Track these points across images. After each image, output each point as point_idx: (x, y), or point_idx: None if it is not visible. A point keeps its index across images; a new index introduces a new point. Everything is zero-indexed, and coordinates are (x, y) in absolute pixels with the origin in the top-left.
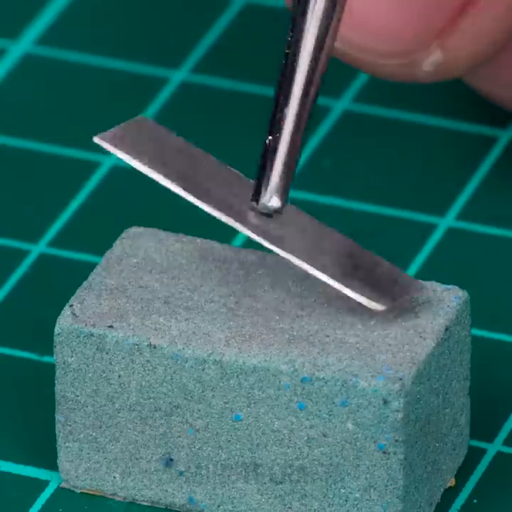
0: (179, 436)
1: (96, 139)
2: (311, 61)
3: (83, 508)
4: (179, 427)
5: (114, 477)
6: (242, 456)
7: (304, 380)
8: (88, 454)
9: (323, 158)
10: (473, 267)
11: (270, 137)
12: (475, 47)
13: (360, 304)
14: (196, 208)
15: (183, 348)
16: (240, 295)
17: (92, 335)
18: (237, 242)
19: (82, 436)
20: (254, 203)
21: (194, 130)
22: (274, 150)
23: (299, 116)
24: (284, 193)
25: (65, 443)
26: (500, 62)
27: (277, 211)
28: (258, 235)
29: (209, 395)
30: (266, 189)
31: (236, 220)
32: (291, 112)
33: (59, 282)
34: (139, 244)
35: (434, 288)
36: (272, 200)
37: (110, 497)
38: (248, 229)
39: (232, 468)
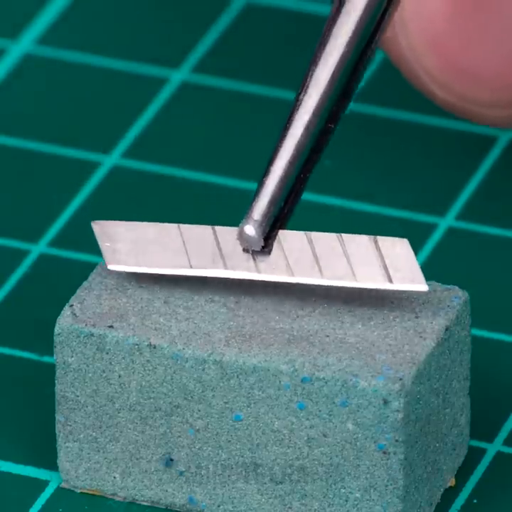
0: (179, 436)
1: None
2: (316, 96)
3: (83, 508)
4: (179, 427)
5: (114, 477)
6: (242, 456)
7: (304, 380)
8: (88, 454)
9: (323, 159)
10: (473, 267)
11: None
12: None
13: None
14: (196, 208)
15: (183, 348)
16: (240, 295)
17: (92, 335)
18: None
19: (82, 436)
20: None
21: (194, 130)
22: (263, 178)
23: (295, 147)
24: (261, 224)
25: (65, 443)
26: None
27: (256, 245)
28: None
29: (209, 395)
30: (247, 216)
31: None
32: (287, 142)
33: (59, 282)
34: None
35: (434, 288)
36: (247, 227)
37: (110, 497)
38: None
39: (232, 468)
